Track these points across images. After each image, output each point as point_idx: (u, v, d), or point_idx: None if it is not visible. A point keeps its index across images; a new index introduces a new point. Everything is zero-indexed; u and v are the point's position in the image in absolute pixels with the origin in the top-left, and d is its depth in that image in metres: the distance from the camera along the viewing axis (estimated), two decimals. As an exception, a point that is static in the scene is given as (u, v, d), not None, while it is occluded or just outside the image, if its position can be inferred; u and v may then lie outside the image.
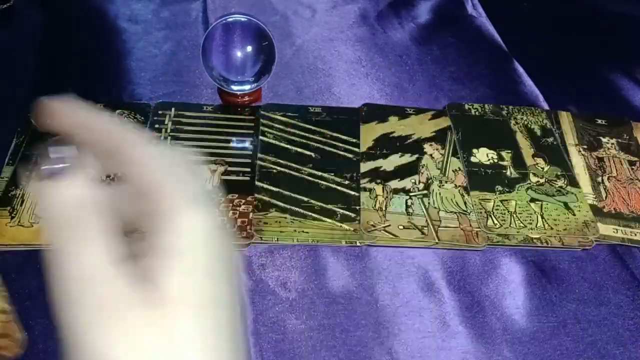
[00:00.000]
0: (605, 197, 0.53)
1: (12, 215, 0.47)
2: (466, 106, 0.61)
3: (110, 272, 0.19)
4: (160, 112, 0.57)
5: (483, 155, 0.56)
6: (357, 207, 0.50)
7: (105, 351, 0.19)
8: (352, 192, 0.51)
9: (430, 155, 0.55)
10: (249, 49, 0.55)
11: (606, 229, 0.50)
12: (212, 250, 0.21)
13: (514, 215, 0.51)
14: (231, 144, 0.54)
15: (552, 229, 0.50)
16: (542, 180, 0.54)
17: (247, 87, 0.56)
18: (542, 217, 0.51)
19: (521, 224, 0.50)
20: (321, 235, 0.47)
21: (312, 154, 0.54)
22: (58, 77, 0.60)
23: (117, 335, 0.19)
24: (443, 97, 0.63)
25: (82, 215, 0.20)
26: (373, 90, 0.63)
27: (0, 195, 0.49)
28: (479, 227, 0.49)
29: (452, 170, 0.54)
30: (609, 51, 0.72)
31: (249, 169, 0.52)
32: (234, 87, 0.56)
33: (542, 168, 0.55)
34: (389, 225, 0.49)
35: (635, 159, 0.57)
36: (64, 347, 0.19)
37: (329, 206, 0.50)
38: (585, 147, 0.58)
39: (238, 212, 0.48)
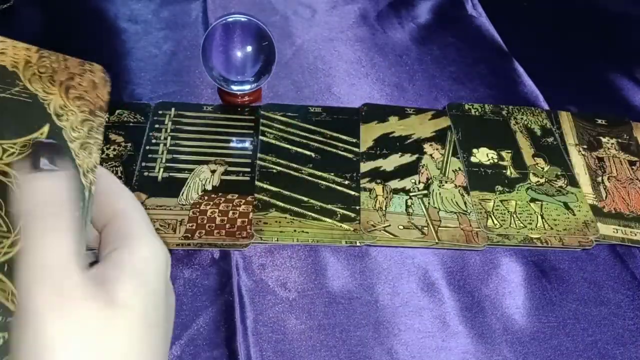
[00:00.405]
0: (605, 197, 0.53)
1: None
2: (466, 106, 0.61)
3: (73, 263, 0.21)
4: (160, 112, 0.57)
5: (483, 155, 0.56)
6: (357, 207, 0.50)
7: (52, 334, 0.20)
8: (352, 192, 0.51)
9: (430, 155, 0.55)
10: (249, 49, 0.55)
11: (606, 229, 0.50)
12: (161, 277, 0.24)
13: (514, 215, 0.51)
14: (231, 144, 0.54)
15: (552, 229, 0.50)
16: (542, 180, 0.54)
17: (247, 87, 0.56)
18: (542, 217, 0.51)
19: (521, 224, 0.50)
20: (321, 235, 0.48)
21: (312, 154, 0.54)
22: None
23: (66, 322, 0.20)
24: (443, 97, 0.63)
25: (57, 206, 0.22)
26: (373, 90, 0.63)
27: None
28: (479, 227, 0.49)
29: (452, 170, 0.54)
30: (609, 51, 0.72)
31: (249, 169, 0.52)
32: (234, 87, 0.56)
33: (542, 168, 0.55)
34: (389, 225, 0.49)
35: (635, 159, 0.57)
36: (13, 328, 0.21)
37: (329, 206, 0.50)
38: (585, 147, 0.58)
39: (238, 212, 0.48)
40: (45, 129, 0.26)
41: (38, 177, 0.23)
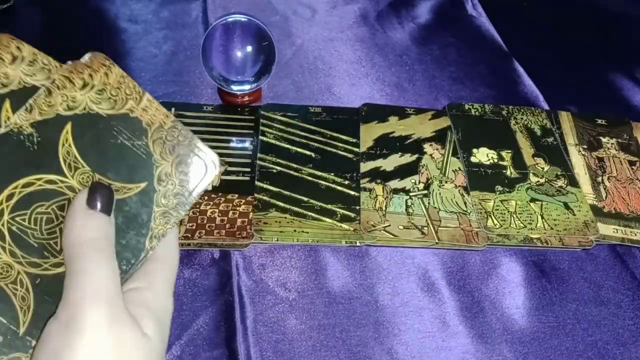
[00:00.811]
0: (605, 197, 0.53)
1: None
2: (466, 106, 0.61)
3: (117, 290, 0.25)
4: (160, 112, 0.57)
5: (483, 155, 0.56)
6: (357, 207, 0.50)
7: (106, 344, 0.24)
8: (352, 192, 0.51)
9: (430, 155, 0.55)
10: (249, 49, 0.55)
11: (606, 229, 0.50)
12: (169, 326, 0.29)
13: (514, 216, 0.51)
14: (231, 144, 0.54)
15: (552, 229, 0.50)
16: (542, 180, 0.54)
17: (247, 87, 0.56)
18: (542, 217, 0.51)
19: (521, 224, 0.50)
20: (321, 235, 0.47)
21: (312, 154, 0.54)
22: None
23: (115, 337, 0.24)
24: (443, 97, 0.63)
25: (104, 244, 0.26)
26: (373, 90, 0.63)
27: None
28: (479, 227, 0.49)
29: (452, 170, 0.54)
30: (609, 51, 0.72)
31: (249, 169, 0.52)
32: (234, 87, 0.56)
33: (542, 168, 0.55)
34: (389, 225, 0.49)
35: (635, 159, 0.57)
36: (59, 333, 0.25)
37: (329, 206, 0.50)
38: (585, 147, 0.58)
39: (238, 212, 0.48)
40: (143, 185, 0.30)
41: (94, 216, 0.27)
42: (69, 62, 0.30)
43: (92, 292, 0.24)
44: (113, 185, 0.29)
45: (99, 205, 0.27)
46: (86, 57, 0.30)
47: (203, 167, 0.31)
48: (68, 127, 0.29)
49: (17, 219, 0.28)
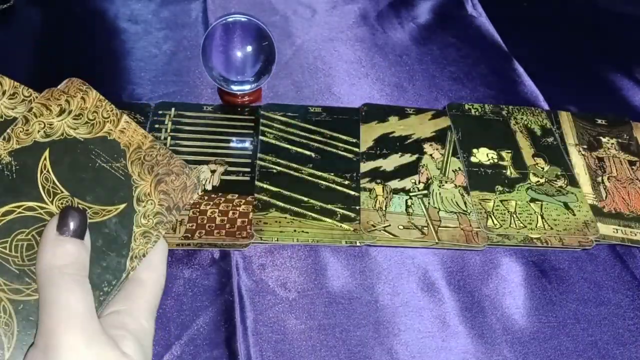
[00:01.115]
0: (605, 197, 0.53)
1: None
2: (466, 106, 0.61)
3: (94, 314, 0.26)
4: (160, 112, 0.57)
5: (483, 155, 0.56)
6: (357, 207, 0.50)
7: None
8: (352, 192, 0.51)
9: (430, 155, 0.55)
10: (249, 49, 0.55)
11: (606, 229, 0.50)
12: (151, 348, 0.30)
13: (514, 216, 0.51)
14: (231, 144, 0.54)
15: (552, 229, 0.50)
16: (542, 180, 0.54)
17: (247, 87, 0.56)
18: (542, 217, 0.51)
19: (521, 224, 0.50)
20: (321, 235, 0.47)
21: (312, 154, 0.54)
22: (58, 77, 0.60)
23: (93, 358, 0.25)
24: (443, 97, 0.63)
25: (78, 269, 0.27)
26: (373, 90, 0.63)
27: None
28: (479, 227, 0.49)
29: (452, 170, 0.54)
30: (609, 51, 0.72)
31: (249, 169, 0.52)
32: (234, 87, 0.56)
33: (542, 168, 0.55)
34: (389, 225, 0.49)
35: (635, 159, 0.57)
36: None
37: (329, 206, 0.50)
38: (585, 147, 0.58)
39: (238, 212, 0.48)
40: (122, 206, 0.30)
41: (64, 242, 0.27)
42: (46, 90, 0.31)
43: (65, 319, 0.25)
44: (92, 209, 0.29)
45: (70, 230, 0.27)
46: (63, 84, 0.31)
47: (183, 185, 0.32)
48: (46, 153, 0.29)
49: None
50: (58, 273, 0.26)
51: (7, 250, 0.28)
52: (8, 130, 0.29)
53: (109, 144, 0.30)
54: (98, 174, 0.30)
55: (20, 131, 0.29)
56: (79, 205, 0.29)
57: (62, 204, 0.29)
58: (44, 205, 0.29)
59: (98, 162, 0.30)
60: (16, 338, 0.27)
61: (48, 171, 0.29)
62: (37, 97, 0.30)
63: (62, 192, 0.29)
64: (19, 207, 0.28)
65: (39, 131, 0.29)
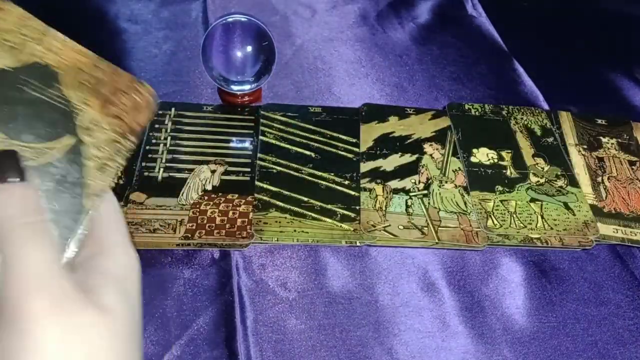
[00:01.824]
0: (605, 197, 0.53)
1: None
2: (466, 106, 0.61)
3: (58, 272, 0.22)
4: (160, 112, 0.57)
5: (483, 155, 0.56)
6: (357, 207, 0.50)
7: (50, 339, 0.21)
8: (352, 192, 0.51)
9: (430, 155, 0.55)
10: (249, 49, 0.55)
11: (606, 229, 0.50)
12: (137, 285, 0.26)
13: (514, 216, 0.51)
14: (231, 144, 0.54)
15: (552, 229, 0.50)
16: (542, 180, 0.54)
17: (247, 87, 0.56)
18: (542, 217, 0.51)
19: (521, 224, 0.50)
20: (321, 235, 0.47)
21: (312, 154, 0.54)
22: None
23: (63, 328, 0.21)
24: (443, 97, 0.63)
25: (31, 216, 0.23)
26: (373, 90, 0.63)
27: None
28: (479, 227, 0.49)
29: (452, 170, 0.54)
30: (609, 51, 0.72)
31: (249, 169, 0.52)
32: (234, 87, 0.56)
33: (542, 168, 0.55)
34: (389, 225, 0.49)
35: (635, 159, 0.57)
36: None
37: (329, 206, 0.50)
38: (585, 147, 0.58)
39: (238, 212, 0.48)
40: (65, 140, 0.25)
41: (7, 189, 0.23)
42: None
43: (24, 283, 0.21)
44: (33, 149, 0.25)
45: (6, 174, 0.23)
46: None
47: (137, 101, 0.27)
48: None
49: None
50: (8, 227, 0.22)
51: None
52: None
53: (36, 68, 0.25)
54: (30, 106, 0.25)
55: None
56: (15, 148, 0.24)
57: None
58: None
59: (28, 92, 0.25)
60: None
61: None
62: None
63: None
64: None
65: None
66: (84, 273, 0.24)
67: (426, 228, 0.49)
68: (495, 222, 0.50)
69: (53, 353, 0.21)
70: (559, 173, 0.55)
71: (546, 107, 0.63)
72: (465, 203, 0.51)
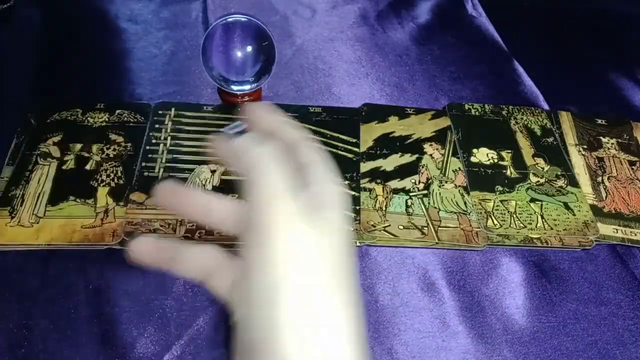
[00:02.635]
0: (605, 197, 0.53)
1: (12, 215, 0.47)
2: (466, 106, 0.61)
3: (289, 196, 0.27)
4: (160, 112, 0.57)
5: (483, 155, 0.56)
6: (357, 207, 0.50)
7: (281, 246, 0.25)
8: (352, 192, 0.51)
9: (430, 155, 0.55)
10: (249, 49, 0.55)
11: (606, 229, 0.50)
12: (344, 210, 0.29)
13: (514, 216, 0.51)
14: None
15: (552, 229, 0.50)
16: (542, 180, 0.54)
17: (247, 87, 0.56)
18: (542, 217, 0.51)
19: (521, 224, 0.50)
20: (321, 235, 0.47)
21: (312, 154, 0.54)
22: (58, 77, 0.60)
23: (290, 238, 0.25)
24: (443, 97, 0.63)
25: (267, 156, 0.29)
26: (373, 90, 0.63)
27: (0, 195, 0.49)
28: (479, 227, 0.49)
29: (452, 170, 0.54)
30: (609, 51, 0.72)
31: (249, 169, 0.52)
32: (234, 87, 0.56)
33: (542, 168, 0.55)
34: (389, 225, 0.49)
35: (635, 159, 0.57)
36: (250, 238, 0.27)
37: (329, 206, 0.50)
38: (585, 147, 0.58)
39: (238, 212, 0.48)
40: None
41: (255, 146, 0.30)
42: None
43: (266, 201, 0.27)
44: None
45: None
46: None
47: None
48: None
49: None
50: (256, 165, 0.29)
51: None
52: None
53: None
54: None
55: None
56: None
57: None
58: None
59: None
60: None
61: None
62: None
63: None
64: None
65: None
66: (310, 196, 0.28)
67: (426, 228, 0.49)
68: (495, 222, 0.50)
69: (280, 255, 0.25)
70: (559, 173, 0.55)
71: (546, 107, 0.63)
72: (465, 203, 0.51)
